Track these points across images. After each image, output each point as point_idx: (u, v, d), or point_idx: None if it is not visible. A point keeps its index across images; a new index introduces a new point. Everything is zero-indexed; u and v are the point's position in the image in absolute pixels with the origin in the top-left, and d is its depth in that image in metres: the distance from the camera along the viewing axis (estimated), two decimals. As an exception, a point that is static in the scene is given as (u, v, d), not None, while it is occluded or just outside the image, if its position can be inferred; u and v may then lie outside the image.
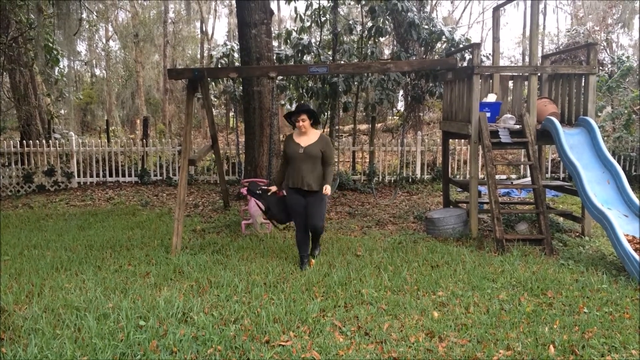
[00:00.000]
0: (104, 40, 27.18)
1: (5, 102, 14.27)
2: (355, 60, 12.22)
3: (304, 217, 5.75)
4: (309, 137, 5.70)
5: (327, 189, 5.55)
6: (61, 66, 15.28)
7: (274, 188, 5.91)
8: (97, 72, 29.14)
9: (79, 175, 12.03)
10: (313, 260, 5.86)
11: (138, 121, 23.63)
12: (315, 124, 5.82)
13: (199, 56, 26.67)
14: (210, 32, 27.07)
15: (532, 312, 4.39)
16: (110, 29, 27.35)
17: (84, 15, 13.99)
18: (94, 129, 25.44)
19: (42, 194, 11.25)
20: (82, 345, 3.73)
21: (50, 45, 12.46)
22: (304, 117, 5.65)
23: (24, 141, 12.07)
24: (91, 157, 12.17)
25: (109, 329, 3.99)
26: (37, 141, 12.03)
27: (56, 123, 14.73)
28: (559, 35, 25.38)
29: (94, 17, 18.21)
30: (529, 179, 10.92)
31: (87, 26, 17.86)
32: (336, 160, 12.29)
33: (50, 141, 12.18)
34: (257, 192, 6.00)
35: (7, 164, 11.68)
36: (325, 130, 13.86)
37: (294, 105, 14.13)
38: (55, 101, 15.16)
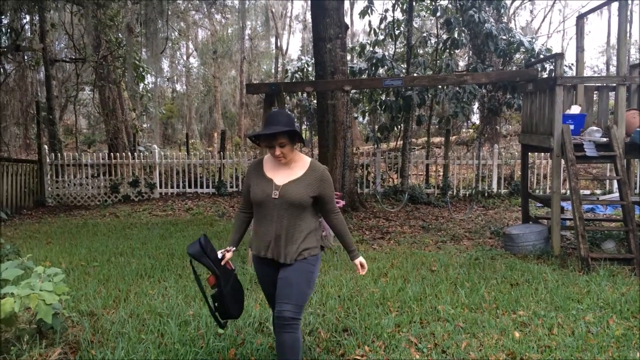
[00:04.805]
0: (184, 58, 28.44)
1: (95, 117, 15.23)
2: (430, 73, 12.08)
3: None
4: (290, 168, 3.24)
5: (362, 265, 3.36)
6: (146, 82, 16.15)
7: (228, 255, 3.43)
8: (178, 87, 30.51)
9: (160, 186, 12.60)
10: None
11: (215, 134, 24.50)
12: (298, 142, 3.25)
13: (273, 71, 27.34)
14: (284, 48, 27.69)
15: (622, 335, 4.12)
16: (191, 46, 28.60)
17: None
18: (174, 142, 26.64)
19: (127, 204, 11.87)
20: (165, 351, 3.88)
21: (137, 62, 13.20)
22: (283, 141, 3.11)
23: (112, 154, 12.82)
24: (172, 169, 12.73)
25: (189, 335, 4.12)
26: (124, 154, 12.74)
27: (140, 136, 15.59)
28: (647, 43, 23.95)
29: (176, 35, 19.10)
30: (616, 194, 10.31)
31: (169, 44, 18.77)
32: (409, 173, 12.21)
33: (135, 154, 12.86)
34: (215, 256, 3.35)
35: (96, 175, 12.45)
36: (397, 143, 13.72)
37: (366, 119, 14.14)
38: (139, 115, 16.03)
